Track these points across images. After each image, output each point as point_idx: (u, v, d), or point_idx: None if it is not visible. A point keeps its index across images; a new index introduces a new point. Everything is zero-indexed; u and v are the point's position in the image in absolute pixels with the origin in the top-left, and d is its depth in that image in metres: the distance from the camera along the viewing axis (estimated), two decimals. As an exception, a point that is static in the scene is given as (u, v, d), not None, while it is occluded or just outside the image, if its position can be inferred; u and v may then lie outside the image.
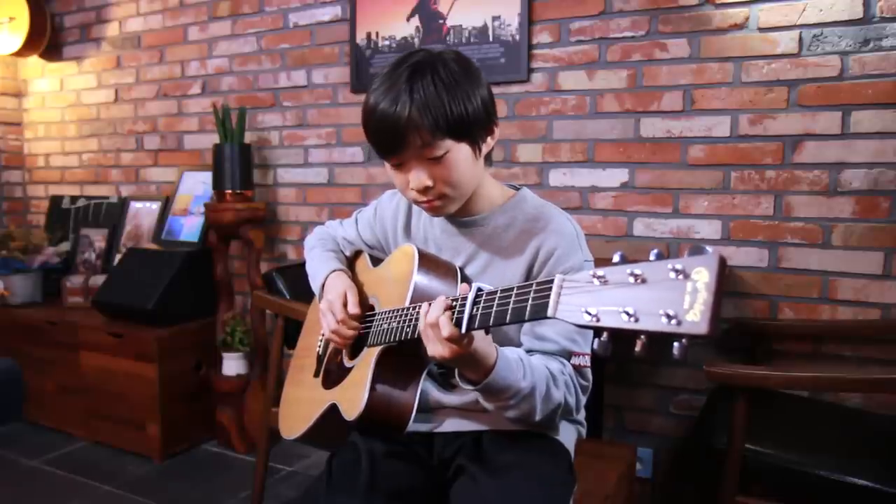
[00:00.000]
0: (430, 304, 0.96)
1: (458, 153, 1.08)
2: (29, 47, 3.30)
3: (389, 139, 1.06)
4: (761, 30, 1.95)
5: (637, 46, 2.12)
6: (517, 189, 1.22)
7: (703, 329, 0.60)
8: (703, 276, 0.62)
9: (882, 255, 1.87)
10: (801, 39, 1.91)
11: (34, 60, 3.49)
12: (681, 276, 0.63)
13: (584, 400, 1.12)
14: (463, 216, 1.19)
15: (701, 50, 2.03)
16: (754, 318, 2.01)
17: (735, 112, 2.00)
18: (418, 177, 1.08)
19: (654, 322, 0.64)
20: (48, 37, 3.35)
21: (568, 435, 1.21)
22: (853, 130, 1.87)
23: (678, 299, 0.63)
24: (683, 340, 0.62)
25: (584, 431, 1.27)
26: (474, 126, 1.09)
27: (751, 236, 2.01)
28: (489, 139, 1.14)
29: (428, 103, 1.03)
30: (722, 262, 0.61)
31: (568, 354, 1.09)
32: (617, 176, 2.18)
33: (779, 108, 1.95)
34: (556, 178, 2.27)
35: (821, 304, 1.94)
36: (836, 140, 1.89)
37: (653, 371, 2.16)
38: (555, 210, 1.18)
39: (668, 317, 0.62)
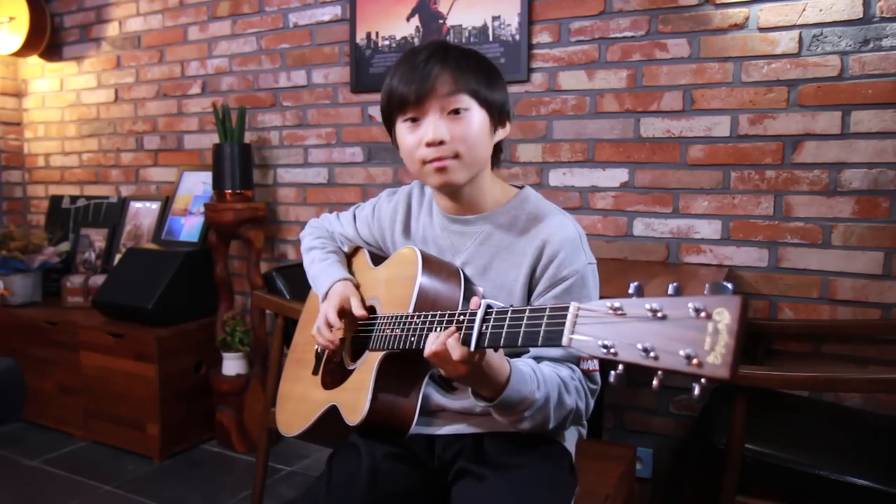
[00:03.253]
0: (436, 335, 0.93)
1: (477, 115, 1.10)
2: (29, 47, 3.30)
3: (417, 84, 1.08)
4: (761, 30, 1.95)
5: (637, 46, 2.12)
6: (520, 188, 1.21)
7: (724, 373, 0.59)
8: (724, 318, 0.60)
9: (882, 255, 1.87)
10: (801, 39, 1.91)
11: (34, 60, 3.49)
12: (702, 315, 0.61)
13: (592, 403, 1.12)
14: (464, 214, 1.19)
15: (701, 50, 2.03)
16: (754, 318, 2.01)
17: (735, 112, 2.00)
18: (436, 127, 1.08)
19: (674, 361, 0.63)
20: (48, 37, 3.35)
21: (569, 436, 1.21)
22: (853, 130, 1.87)
23: (699, 339, 0.61)
24: (703, 381, 0.61)
25: (584, 432, 1.28)
26: (494, 98, 1.12)
27: (751, 236, 2.01)
28: (500, 129, 1.16)
29: (459, 62, 1.10)
30: (744, 304, 0.60)
31: (576, 360, 1.08)
32: (617, 176, 2.18)
33: (779, 108, 1.95)
34: (556, 178, 2.27)
35: (821, 303, 1.94)
36: (836, 140, 1.89)
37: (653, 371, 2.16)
38: (557, 211, 1.17)
39: (689, 357, 0.61)
